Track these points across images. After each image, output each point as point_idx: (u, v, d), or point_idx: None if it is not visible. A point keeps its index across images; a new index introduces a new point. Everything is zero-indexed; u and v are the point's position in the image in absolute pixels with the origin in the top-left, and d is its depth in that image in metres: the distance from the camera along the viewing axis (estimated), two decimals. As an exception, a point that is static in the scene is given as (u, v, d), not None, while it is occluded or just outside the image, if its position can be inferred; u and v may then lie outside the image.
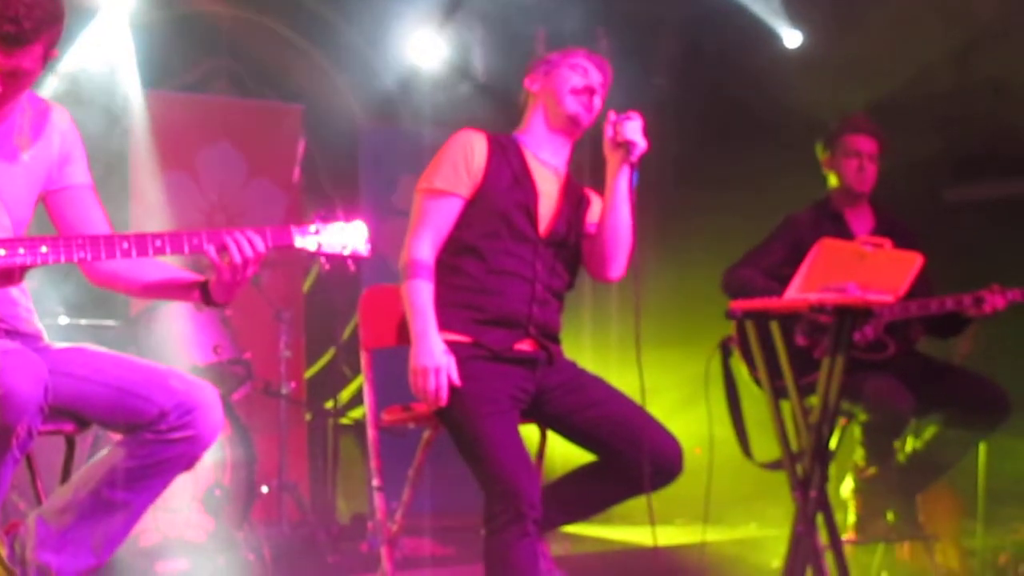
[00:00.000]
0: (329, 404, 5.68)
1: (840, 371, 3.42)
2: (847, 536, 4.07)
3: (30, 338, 2.66)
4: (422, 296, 3.13)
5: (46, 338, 2.72)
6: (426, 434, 3.29)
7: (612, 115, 3.25)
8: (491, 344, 3.16)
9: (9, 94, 2.59)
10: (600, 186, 3.31)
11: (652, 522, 3.17)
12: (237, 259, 2.61)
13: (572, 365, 3.31)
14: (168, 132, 5.68)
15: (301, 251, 2.71)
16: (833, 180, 4.28)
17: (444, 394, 3.07)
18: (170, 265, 2.78)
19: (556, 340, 3.29)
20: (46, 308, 4.44)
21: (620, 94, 3.47)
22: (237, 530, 4.41)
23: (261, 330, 5.32)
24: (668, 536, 3.40)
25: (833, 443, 3.80)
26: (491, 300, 3.19)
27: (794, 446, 3.52)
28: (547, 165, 3.32)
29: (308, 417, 5.93)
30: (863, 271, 3.35)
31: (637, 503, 3.26)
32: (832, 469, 3.77)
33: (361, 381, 3.47)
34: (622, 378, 3.39)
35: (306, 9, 6.17)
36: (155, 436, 2.58)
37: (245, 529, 4.47)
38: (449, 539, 5.03)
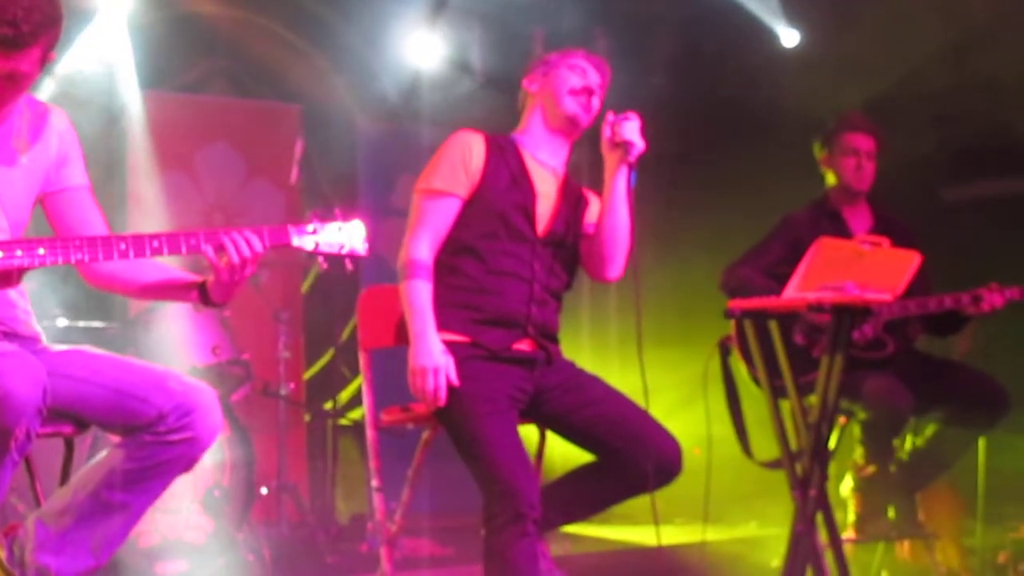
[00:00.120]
0: (328, 405, 5.68)
1: (839, 370, 3.42)
2: (847, 535, 4.07)
3: (28, 340, 2.66)
4: (420, 296, 3.13)
5: (44, 340, 2.73)
6: (425, 434, 3.29)
7: (610, 116, 3.25)
8: (489, 344, 3.16)
9: (7, 97, 2.59)
10: (598, 186, 3.31)
11: (656, 522, 3.18)
12: (235, 259, 2.61)
13: (570, 365, 3.31)
14: (166, 133, 5.68)
15: (299, 251, 2.71)
16: (831, 179, 4.28)
17: (442, 394, 3.07)
18: (168, 266, 2.78)
19: (554, 340, 3.29)
20: (45, 310, 4.44)
21: (618, 94, 3.47)
22: (236, 531, 4.41)
23: (260, 331, 5.32)
24: (668, 535, 3.40)
25: (832, 442, 3.81)
26: (489, 300, 3.20)
27: (793, 445, 3.52)
28: (545, 166, 3.32)
29: (307, 418, 5.93)
30: (861, 270, 3.35)
31: (637, 503, 3.26)
32: (832, 468, 3.77)
33: (360, 382, 3.47)
34: (622, 378, 3.39)
35: (304, 9, 6.16)
36: (154, 438, 2.58)
37: (244, 530, 4.48)
38: (448, 539, 5.03)
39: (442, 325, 3.14)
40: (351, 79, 6.30)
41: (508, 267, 3.22)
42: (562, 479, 3.30)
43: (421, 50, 6.30)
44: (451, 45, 6.36)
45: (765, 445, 3.80)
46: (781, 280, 3.53)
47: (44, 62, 2.57)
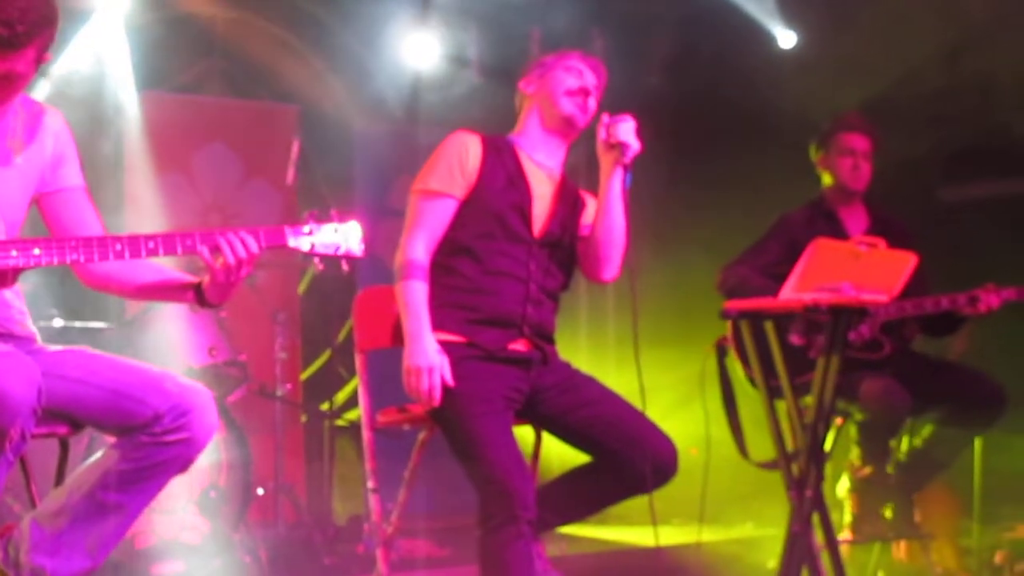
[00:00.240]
0: (325, 406, 5.67)
1: (835, 370, 3.42)
2: (843, 535, 4.07)
3: (24, 340, 2.66)
4: (416, 296, 3.14)
5: (40, 340, 2.72)
6: (421, 435, 3.29)
7: (605, 117, 3.25)
8: (485, 344, 3.16)
9: (2, 97, 2.60)
10: (596, 188, 3.31)
11: (654, 522, 3.18)
12: (231, 260, 2.61)
13: (566, 366, 3.31)
14: (163, 133, 5.67)
15: (295, 251, 2.71)
16: (827, 179, 4.28)
17: (437, 394, 3.07)
18: (164, 267, 2.77)
19: (550, 340, 3.30)
20: (41, 311, 4.43)
21: (614, 94, 3.47)
22: (233, 532, 4.41)
23: (257, 332, 5.31)
24: (665, 536, 3.40)
25: (829, 442, 3.81)
26: (485, 300, 3.20)
27: (789, 446, 3.52)
28: (542, 167, 3.33)
29: (304, 419, 5.93)
30: (857, 271, 3.35)
31: (634, 503, 3.26)
32: (828, 468, 3.78)
33: (357, 383, 3.47)
34: (619, 378, 3.39)
35: (301, 10, 6.16)
36: (150, 439, 2.58)
37: (241, 531, 4.47)
38: (444, 540, 5.04)
39: (438, 325, 3.14)
40: (348, 80, 6.30)
41: (504, 267, 3.22)
42: (559, 480, 3.30)
43: (418, 51, 6.30)
44: (448, 45, 6.36)
45: (761, 446, 3.80)
46: (778, 280, 3.53)
47: (39, 63, 2.57)
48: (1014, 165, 5.35)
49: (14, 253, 2.53)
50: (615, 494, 3.23)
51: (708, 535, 4.08)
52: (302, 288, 6.09)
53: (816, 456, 3.44)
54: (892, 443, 4.13)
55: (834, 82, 5.55)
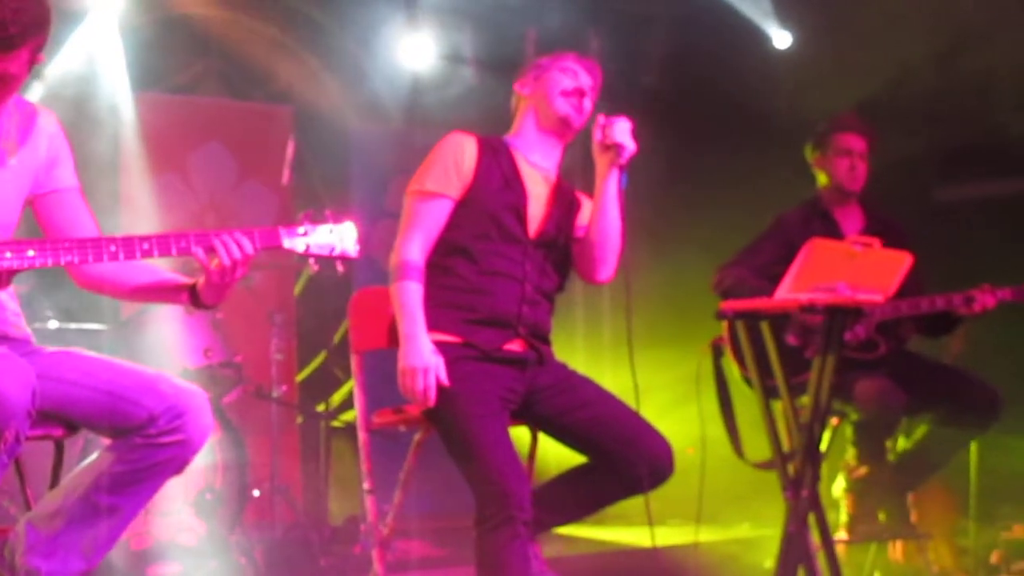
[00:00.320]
0: (321, 407, 5.67)
1: (831, 371, 3.42)
2: (839, 535, 4.07)
3: (18, 342, 2.65)
4: (411, 297, 3.13)
5: (35, 342, 2.72)
6: (417, 436, 3.29)
7: (601, 118, 3.25)
8: (481, 344, 3.16)
9: (-4, 98, 2.59)
10: (592, 189, 3.30)
11: (651, 523, 3.18)
12: (225, 261, 2.61)
13: (562, 366, 3.31)
14: (158, 134, 5.67)
15: (290, 252, 2.71)
16: (823, 179, 4.28)
17: (432, 394, 3.07)
18: (158, 268, 2.77)
19: (546, 341, 3.29)
20: (36, 312, 4.43)
21: (610, 95, 3.47)
22: (229, 533, 4.40)
23: (252, 333, 5.31)
24: (661, 536, 3.40)
25: (825, 443, 3.80)
26: (481, 300, 3.19)
27: (785, 446, 3.52)
28: (537, 168, 3.33)
29: (300, 420, 5.92)
30: (853, 271, 3.35)
31: (631, 504, 3.26)
32: (824, 468, 3.77)
33: (353, 384, 3.47)
34: (616, 379, 3.39)
35: (296, 11, 6.16)
36: (145, 440, 2.58)
37: (237, 532, 4.47)
38: (441, 541, 5.04)
39: (434, 325, 3.14)
40: (344, 80, 6.29)
41: (500, 268, 3.22)
42: (555, 480, 3.30)
43: (414, 51, 6.30)
44: (444, 46, 6.36)
45: (757, 446, 3.81)
46: (774, 280, 3.53)
47: (33, 64, 2.56)
48: (1010, 165, 5.36)
49: (8, 255, 2.52)
50: (611, 495, 3.23)
51: (705, 535, 4.08)
52: (298, 289, 6.08)
53: (812, 456, 3.44)
54: (888, 443, 4.13)
55: (830, 82, 5.56)
